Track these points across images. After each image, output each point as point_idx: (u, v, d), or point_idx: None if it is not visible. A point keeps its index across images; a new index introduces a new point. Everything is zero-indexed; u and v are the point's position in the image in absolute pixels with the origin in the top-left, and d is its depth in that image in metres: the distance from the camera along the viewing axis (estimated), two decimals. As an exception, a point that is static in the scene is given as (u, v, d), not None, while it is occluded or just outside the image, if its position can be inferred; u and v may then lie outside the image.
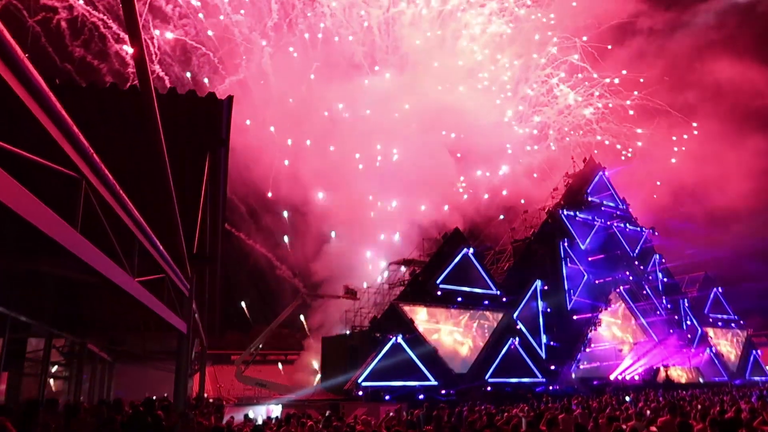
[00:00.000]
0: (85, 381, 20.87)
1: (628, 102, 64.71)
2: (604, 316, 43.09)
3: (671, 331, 44.94)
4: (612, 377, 41.29)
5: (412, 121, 53.67)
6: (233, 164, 48.37)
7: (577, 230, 44.39)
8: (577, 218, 44.84)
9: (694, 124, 64.80)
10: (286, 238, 50.97)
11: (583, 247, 44.01)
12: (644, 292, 45.51)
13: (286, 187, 51.28)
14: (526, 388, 35.69)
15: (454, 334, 36.58)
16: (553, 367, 38.27)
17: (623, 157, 63.56)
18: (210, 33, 49.31)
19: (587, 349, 40.82)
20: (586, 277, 42.92)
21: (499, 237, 49.94)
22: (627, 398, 29.80)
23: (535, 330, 39.12)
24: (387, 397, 30.67)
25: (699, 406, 17.48)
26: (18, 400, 15.49)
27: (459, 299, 36.23)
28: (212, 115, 12.96)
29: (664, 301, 46.12)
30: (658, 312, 45.31)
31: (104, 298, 9.92)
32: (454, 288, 36.12)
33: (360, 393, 30.56)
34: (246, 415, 21.25)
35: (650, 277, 46.83)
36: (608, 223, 46.48)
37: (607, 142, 64.40)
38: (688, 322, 47.14)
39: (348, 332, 35.29)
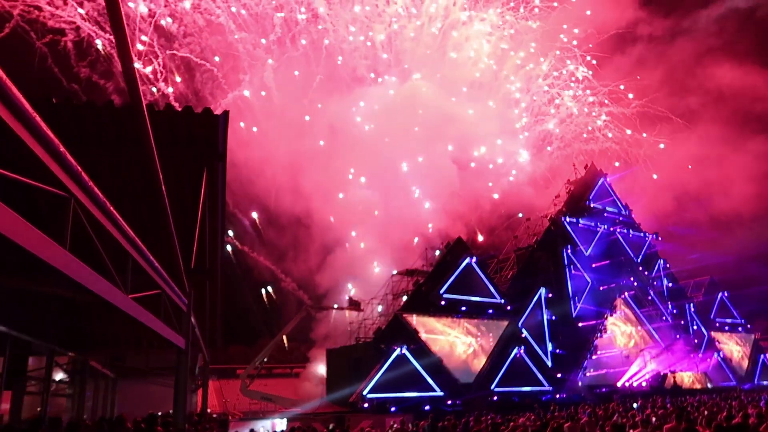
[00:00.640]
0: (89, 398, 20.84)
1: (628, 110, 64.83)
2: (610, 323, 42.84)
3: (677, 336, 44.64)
4: (619, 384, 41.00)
5: (414, 132, 53.88)
6: (237, 179, 48.88)
7: (580, 237, 44.27)
8: (579, 225, 44.73)
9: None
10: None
11: (586, 253, 43.87)
12: (649, 297, 45.27)
13: (289, 200, 51.46)
14: (532, 396, 35.45)
15: (458, 343, 36.41)
16: (559, 375, 38.02)
17: (618, 164, 63.46)
18: (216, 58, 49.76)
19: (593, 357, 40.55)
20: (590, 283, 42.74)
21: (502, 245, 49.94)
22: (635, 405, 29.56)
23: (541, 338, 38.91)
24: (393, 409, 30.51)
25: (705, 412, 17.31)
26: (21, 419, 15.48)
27: (463, 309, 36.10)
28: (209, 130, 12.99)
29: (669, 307, 45.86)
30: (664, 317, 45.05)
31: (103, 316, 9.92)
32: (457, 297, 36.00)
33: (365, 405, 30.43)
34: (251, 430, 21.17)
35: (655, 283, 46.58)
36: (611, 228, 46.34)
37: (614, 157, 64.48)
38: (695, 327, 46.84)
39: (353, 344, 35.21)
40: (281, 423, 29.47)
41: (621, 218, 48.02)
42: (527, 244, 44.15)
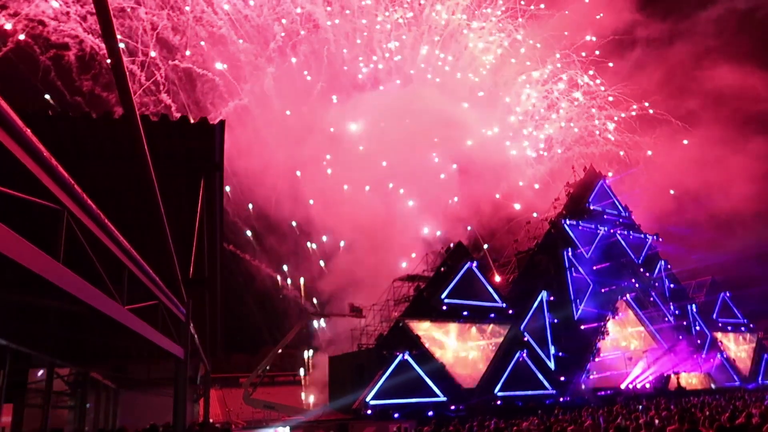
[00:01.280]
0: (90, 410, 20.80)
1: (627, 114, 65.03)
2: (612, 325, 42.75)
3: (680, 337, 44.49)
4: (623, 386, 40.85)
5: (415, 136, 54.04)
6: (237, 187, 49.00)
7: (580, 239, 44.23)
8: (580, 227, 44.70)
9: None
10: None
11: (587, 256, 43.82)
12: (651, 299, 45.16)
13: (290, 208, 51.57)
14: (536, 400, 35.35)
15: (461, 348, 36.34)
16: (562, 379, 37.90)
17: (618, 167, 63.63)
18: (219, 66, 50.01)
19: (596, 359, 40.43)
20: (591, 286, 42.67)
21: (503, 249, 49.95)
22: (639, 407, 29.44)
23: (543, 341, 38.80)
24: (396, 415, 30.42)
25: (708, 413, 17.25)
26: (22, 432, 15.46)
27: (465, 313, 36.02)
28: (205, 140, 13.07)
29: (671, 308, 45.74)
30: (666, 318, 44.93)
31: (101, 327, 9.92)
32: (459, 302, 35.93)
33: (368, 412, 30.32)
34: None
35: (656, 284, 46.47)
36: (611, 230, 46.29)
37: (614, 160, 64.69)
38: (697, 328, 46.70)
39: (355, 350, 35.12)
40: (284, 431, 29.41)
41: (621, 220, 48.00)
42: (528, 248, 44.12)
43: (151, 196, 8.20)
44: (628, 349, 43.99)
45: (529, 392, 36.01)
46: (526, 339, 37.64)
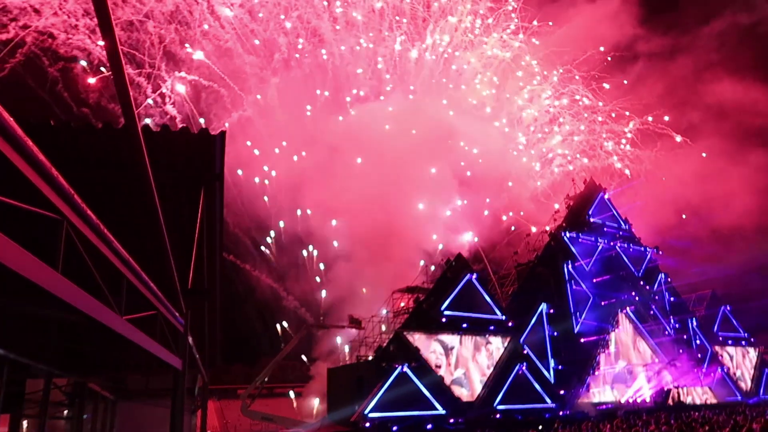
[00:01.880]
0: (87, 421, 20.67)
1: (629, 128, 65.42)
2: (612, 338, 42.59)
3: (680, 351, 44.32)
4: (623, 400, 40.64)
5: (416, 148, 54.26)
6: (238, 198, 49.08)
7: (580, 252, 44.20)
8: (580, 240, 44.69)
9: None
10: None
11: (587, 268, 43.76)
12: (651, 312, 45.03)
13: (291, 219, 51.68)
14: (536, 414, 35.16)
15: (461, 361, 36.18)
16: (562, 392, 37.71)
17: (619, 179, 63.93)
18: (228, 80, 50.58)
19: (596, 372, 40.26)
20: (591, 298, 42.57)
21: (503, 261, 49.97)
22: (639, 422, 29.22)
23: (543, 354, 38.66)
24: (394, 428, 30.26)
25: (708, 428, 17.17)
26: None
27: (464, 325, 35.92)
28: (206, 150, 13.10)
29: (672, 321, 45.59)
30: (667, 332, 44.77)
31: (100, 337, 9.91)
32: (459, 314, 35.86)
33: (367, 424, 30.15)
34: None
35: (656, 297, 46.37)
36: (611, 243, 46.27)
37: (615, 173, 64.98)
38: (698, 342, 46.51)
39: (354, 362, 35.01)
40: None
41: (621, 233, 47.97)
42: (527, 260, 44.09)
43: (151, 206, 8.22)
44: (628, 362, 43.78)
45: (529, 406, 35.81)
46: (525, 352, 37.50)
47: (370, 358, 33.66)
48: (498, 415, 34.00)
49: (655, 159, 66.71)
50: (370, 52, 57.98)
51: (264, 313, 55.66)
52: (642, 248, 48.47)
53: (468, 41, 61.69)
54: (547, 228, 45.90)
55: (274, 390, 47.73)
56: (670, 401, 41.53)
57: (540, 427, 31.16)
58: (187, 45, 48.76)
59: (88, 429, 21.04)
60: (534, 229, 47.16)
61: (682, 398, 42.43)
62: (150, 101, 47.63)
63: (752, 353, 51.98)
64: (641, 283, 45.95)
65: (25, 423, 17.37)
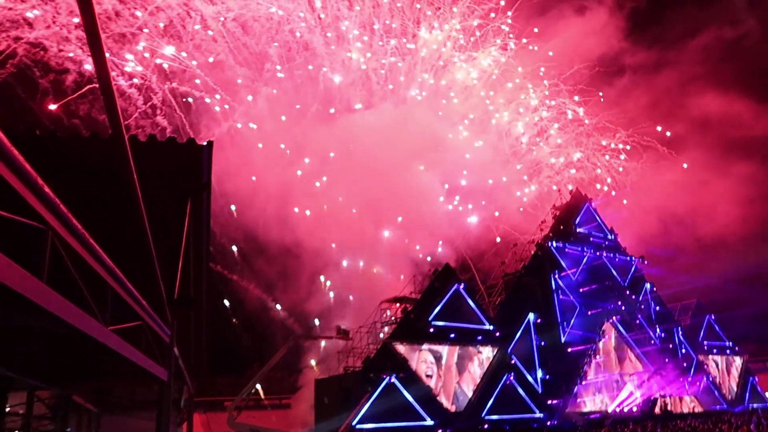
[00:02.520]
0: (71, 434, 20.38)
1: (614, 140, 66.29)
2: (599, 347, 42.81)
3: (666, 360, 44.62)
4: (610, 409, 40.81)
5: (404, 157, 54.55)
6: (226, 208, 48.96)
7: (567, 262, 44.48)
8: (566, 250, 44.99)
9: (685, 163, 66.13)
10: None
11: (573, 278, 44.04)
12: (637, 321, 45.35)
13: (279, 229, 51.51)
14: (524, 424, 35.18)
15: (448, 371, 36.14)
16: (550, 402, 37.78)
17: (606, 188, 64.68)
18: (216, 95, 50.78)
19: (584, 382, 40.42)
20: (578, 308, 42.81)
21: (490, 271, 50.15)
22: (626, 430, 29.40)
23: (530, 364, 38.75)
24: (382, 440, 30.12)
25: (694, 436, 17.28)
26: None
27: (452, 335, 35.94)
28: (193, 160, 13.11)
29: (657, 330, 45.94)
30: (652, 341, 45.08)
31: (84, 349, 9.82)
32: (446, 324, 35.87)
33: (354, 436, 30.01)
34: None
35: (642, 306, 46.73)
36: (597, 253, 46.64)
37: (604, 185, 65.75)
38: (683, 351, 46.88)
39: (342, 373, 34.83)
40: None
41: (607, 243, 48.37)
42: (515, 270, 44.28)
43: (137, 215, 8.21)
44: (615, 372, 44.02)
45: (517, 416, 35.83)
46: (513, 362, 37.57)
47: (358, 367, 33.57)
48: (486, 426, 33.98)
49: (641, 170, 67.55)
50: (360, 64, 58.40)
51: (252, 323, 55.28)
52: (628, 258, 48.90)
53: (457, 56, 62.39)
54: (533, 238, 46.25)
55: (262, 402, 47.33)
56: (656, 410, 41.74)
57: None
58: (182, 53, 48.84)
59: (72, 443, 20.74)
60: (515, 246, 47.47)
61: (668, 407, 42.67)
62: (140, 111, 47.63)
63: (737, 361, 52.47)
64: (627, 292, 46.29)
65: (6, 437, 17.09)
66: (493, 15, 61.99)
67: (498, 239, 54.04)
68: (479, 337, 36.97)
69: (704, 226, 65.19)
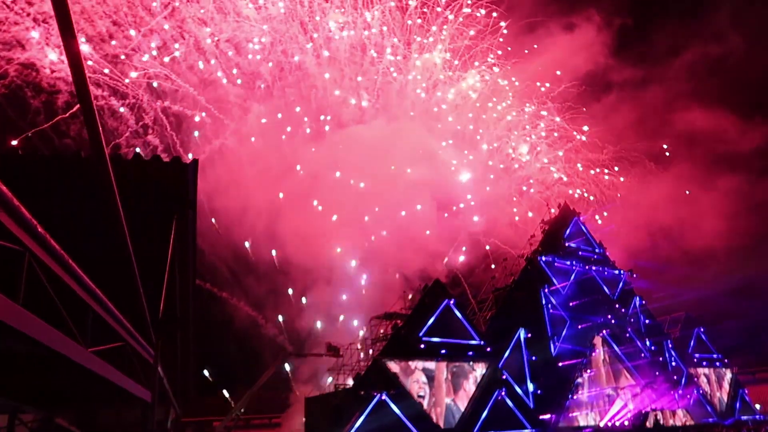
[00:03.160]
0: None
1: (602, 156, 67.19)
2: (590, 361, 42.75)
3: (657, 373, 44.61)
4: (602, 424, 40.66)
5: (394, 171, 54.88)
6: (215, 226, 48.76)
7: (556, 276, 44.58)
8: (555, 264, 45.10)
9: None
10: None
11: (563, 292, 44.10)
12: (627, 335, 45.37)
13: (269, 246, 51.44)
14: (516, 440, 34.98)
15: (439, 387, 35.92)
16: (542, 417, 37.60)
17: (593, 199, 65.35)
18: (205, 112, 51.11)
19: (575, 396, 40.28)
20: (568, 322, 42.81)
21: (481, 285, 50.20)
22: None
23: (522, 379, 38.60)
24: (373, 458, 29.80)
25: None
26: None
27: (443, 351, 35.75)
28: (178, 178, 13.07)
29: (647, 343, 45.97)
30: (643, 354, 45.10)
31: (65, 370, 9.68)
32: (437, 340, 35.72)
33: (345, 454, 29.67)
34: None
35: (632, 320, 46.80)
36: (586, 267, 46.80)
37: (589, 196, 66.42)
38: (673, 364, 46.90)
39: (332, 391, 34.53)
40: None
41: (595, 257, 48.55)
42: (504, 284, 44.30)
43: (119, 234, 8.16)
44: (606, 385, 43.93)
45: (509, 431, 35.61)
46: (504, 377, 37.41)
47: (350, 384, 33.31)
48: (478, 442, 33.75)
49: (628, 184, 68.32)
50: (353, 83, 59.00)
51: (242, 341, 54.86)
52: (617, 271, 49.08)
53: (447, 76, 63.24)
54: (522, 252, 46.38)
55: (251, 422, 46.80)
56: (648, 424, 41.64)
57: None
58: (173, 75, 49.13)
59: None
60: (505, 260, 47.74)
61: (660, 421, 42.57)
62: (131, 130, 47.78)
63: (727, 374, 52.55)
64: (617, 306, 46.36)
65: (-12, 461, 16.74)
66: (476, 33, 62.92)
67: (491, 260, 54.37)
68: (470, 353, 36.82)
69: (692, 239, 65.79)
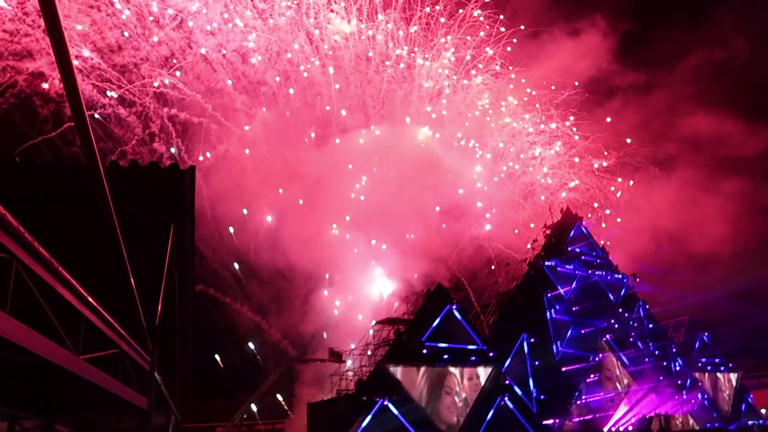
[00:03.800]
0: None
1: (606, 161, 67.15)
2: (594, 366, 42.56)
3: (661, 377, 44.36)
4: (606, 429, 40.43)
5: (398, 177, 54.94)
6: (218, 232, 48.94)
7: (559, 281, 44.44)
8: (558, 269, 44.98)
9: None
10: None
11: (566, 297, 43.95)
12: (631, 339, 45.16)
13: (271, 252, 51.49)
14: (519, 445, 34.80)
15: (442, 392, 35.78)
16: (545, 422, 37.42)
17: (596, 205, 65.35)
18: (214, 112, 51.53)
19: (579, 401, 40.10)
20: (571, 327, 42.64)
21: (484, 290, 50.12)
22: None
23: (525, 384, 38.46)
24: (375, 464, 29.70)
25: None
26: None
27: (445, 356, 35.65)
28: (176, 185, 13.09)
29: (651, 348, 45.74)
30: (646, 359, 44.86)
31: (61, 378, 9.68)
32: (440, 345, 35.61)
33: (347, 460, 29.59)
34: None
35: (635, 324, 46.58)
36: (589, 271, 46.63)
37: (593, 203, 66.44)
38: (678, 368, 46.63)
39: (335, 397, 34.45)
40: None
41: (598, 261, 48.39)
42: (507, 289, 44.17)
43: (114, 241, 8.16)
44: (610, 390, 43.70)
45: (512, 437, 35.44)
46: (507, 382, 37.26)
47: (351, 389, 33.23)
48: (481, 448, 33.59)
49: (633, 189, 68.25)
50: (357, 91, 59.24)
51: (245, 347, 54.85)
52: (620, 276, 48.90)
53: (452, 83, 63.42)
54: (525, 257, 46.27)
55: (254, 427, 46.73)
56: (653, 428, 41.40)
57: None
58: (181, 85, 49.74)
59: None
60: (508, 265, 47.70)
61: (664, 425, 42.31)
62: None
63: (732, 378, 52.20)
64: (620, 310, 46.16)
65: (-12, 468, 16.73)
66: (481, 41, 63.06)
67: (493, 266, 54.34)
68: (473, 358, 36.68)
69: (695, 243, 65.49)
